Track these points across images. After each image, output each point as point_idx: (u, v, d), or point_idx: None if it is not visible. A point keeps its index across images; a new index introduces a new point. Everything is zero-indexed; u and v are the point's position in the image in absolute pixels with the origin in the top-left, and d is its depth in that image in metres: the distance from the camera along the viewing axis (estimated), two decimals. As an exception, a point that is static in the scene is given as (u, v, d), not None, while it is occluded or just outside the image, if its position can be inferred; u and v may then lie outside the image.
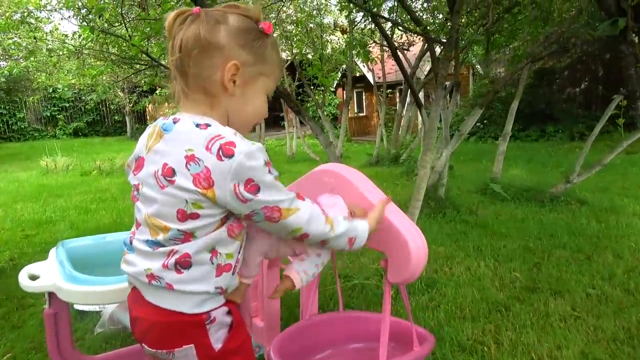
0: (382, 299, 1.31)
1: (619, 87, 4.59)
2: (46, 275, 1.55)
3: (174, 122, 0.91)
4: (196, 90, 0.92)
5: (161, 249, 0.89)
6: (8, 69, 10.79)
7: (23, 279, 1.55)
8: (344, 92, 9.96)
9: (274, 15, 7.74)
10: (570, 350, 1.94)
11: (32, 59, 9.55)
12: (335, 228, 1.00)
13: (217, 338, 0.94)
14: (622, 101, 4.38)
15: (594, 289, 2.59)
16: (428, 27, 5.90)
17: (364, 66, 11.60)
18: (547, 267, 2.95)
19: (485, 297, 2.49)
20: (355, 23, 6.75)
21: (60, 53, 7.29)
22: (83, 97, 18.94)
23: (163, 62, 5.74)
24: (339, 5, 5.45)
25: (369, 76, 11.40)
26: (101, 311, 2.30)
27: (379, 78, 10.13)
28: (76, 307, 2.34)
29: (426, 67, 9.94)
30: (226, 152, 0.84)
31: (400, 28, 5.68)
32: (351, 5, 4.46)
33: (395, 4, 4.69)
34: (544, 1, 4.72)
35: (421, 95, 7.93)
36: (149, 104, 18.34)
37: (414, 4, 6.84)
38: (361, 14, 6.09)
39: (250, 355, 1.03)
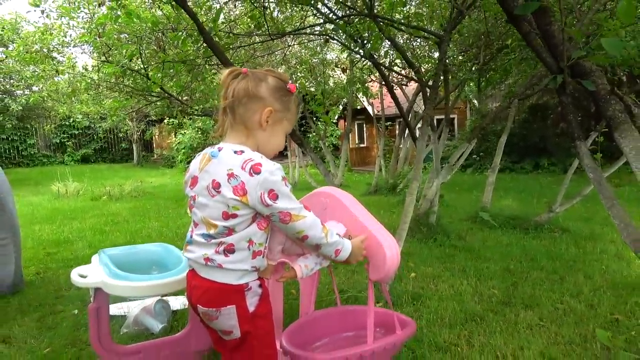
0: (367, 293, 1.67)
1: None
2: (93, 274, 1.90)
3: (219, 150, 1.31)
4: (239, 124, 1.33)
5: (213, 241, 1.29)
6: (25, 98, 11.29)
7: (75, 276, 1.89)
8: (345, 124, 10.42)
9: (280, 51, 8.26)
10: (531, 351, 2.26)
11: (46, 88, 10.09)
12: (328, 238, 1.38)
13: (251, 303, 1.34)
14: (599, 137, 4.77)
15: (561, 304, 2.91)
16: (425, 66, 6.39)
17: (364, 100, 12.09)
18: (523, 285, 3.27)
19: (464, 309, 2.81)
20: (355, 62, 7.23)
21: (79, 85, 7.77)
22: (92, 125, 19.57)
23: (176, 96, 6.18)
24: (341, 47, 5.92)
25: (370, 109, 11.89)
26: (126, 314, 2.64)
27: (379, 111, 10.60)
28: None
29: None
30: (255, 170, 1.23)
31: (395, 72, 6.15)
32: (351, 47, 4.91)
33: (390, 46, 5.14)
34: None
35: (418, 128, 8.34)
36: (156, 134, 18.88)
37: (413, 42, 7.30)
38: (361, 52, 6.58)
39: (271, 323, 1.42)
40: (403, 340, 1.80)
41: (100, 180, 12.02)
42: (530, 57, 5.52)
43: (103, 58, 6.03)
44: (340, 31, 4.20)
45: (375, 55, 5.05)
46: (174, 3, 3.43)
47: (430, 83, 4.01)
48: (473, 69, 5.86)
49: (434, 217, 4.93)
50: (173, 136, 17.52)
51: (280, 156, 16.66)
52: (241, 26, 5.27)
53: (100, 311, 1.94)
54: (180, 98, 6.49)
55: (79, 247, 4.68)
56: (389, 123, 12.99)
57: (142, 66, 5.51)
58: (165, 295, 2.86)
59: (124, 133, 19.81)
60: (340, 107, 11.92)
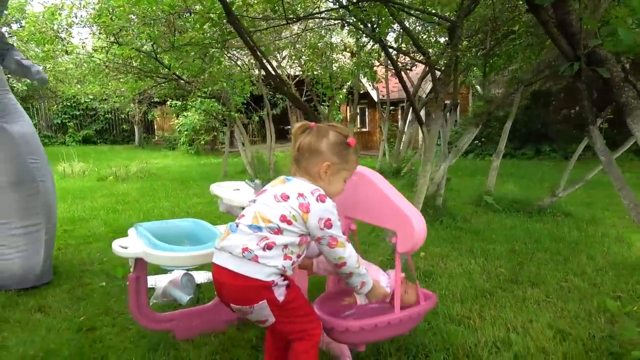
0: (395, 265, 1.79)
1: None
2: (133, 245, 2.02)
3: (293, 177, 1.60)
4: (303, 173, 1.60)
5: (258, 233, 1.46)
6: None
7: (116, 247, 2.01)
8: (347, 108, 10.47)
9: (287, 34, 8.28)
10: (539, 323, 2.40)
11: (54, 68, 10.10)
12: (360, 269, 1.63)
13: (279, 294, 1.49)
14: (604, 123, 4.89)
15: (566, 282, 3.05)
16: (430, 50, 6.45)
17: (369, 85, 12.13)
18: (528, 265, 3.42)
19: (474, 286, 2.95)
20: (363, 45, 7.28)
21: (87, 66, 7.81)
22: (95, 106, 19.53)
23: (186, 79, 6.24)
24: (349, 31, 5.97)
25: (373, 94, 11.94)
26: (154, 287, 2.77)
27: (383, 96, 10.66)
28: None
29: (427, 86, 10.48)
30: (321, 199, 1.51)
31: (406, 54, 6.21)
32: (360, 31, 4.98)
33: (400, 31, 5.20)
34: (537, 30, 5.23)
35: (422, 113, 8.43)
36: (161, 115, 18.86)
37: (418, 27, 7.34)
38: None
39: (303, 300, 1.60)
40: (426, 311, 1.94)
41: (103, 161, 12.08)
42: (536, 43, 5.60)
43: (112, 39, 6.08)
44: (351, 15, 4.26)
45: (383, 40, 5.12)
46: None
47: (442, 68, 4.09)
48: (478, 54, 5.93)
49: (440, 200, 5.06)
50: (175, 118, 17.52)
51: (283, 139, 16.68)
52: (255, 7, 5.31)
53: (140, 280, 2.07)
54: (188, 80, 6.55)
55: (95, 225, 4.80)
56: (392, 107, 13.04)
57: (152, 48, 5.56)
58: (189, 269, 2.99)
59: (126, 114, 19.78)
60: (344, 91, 11.95)
